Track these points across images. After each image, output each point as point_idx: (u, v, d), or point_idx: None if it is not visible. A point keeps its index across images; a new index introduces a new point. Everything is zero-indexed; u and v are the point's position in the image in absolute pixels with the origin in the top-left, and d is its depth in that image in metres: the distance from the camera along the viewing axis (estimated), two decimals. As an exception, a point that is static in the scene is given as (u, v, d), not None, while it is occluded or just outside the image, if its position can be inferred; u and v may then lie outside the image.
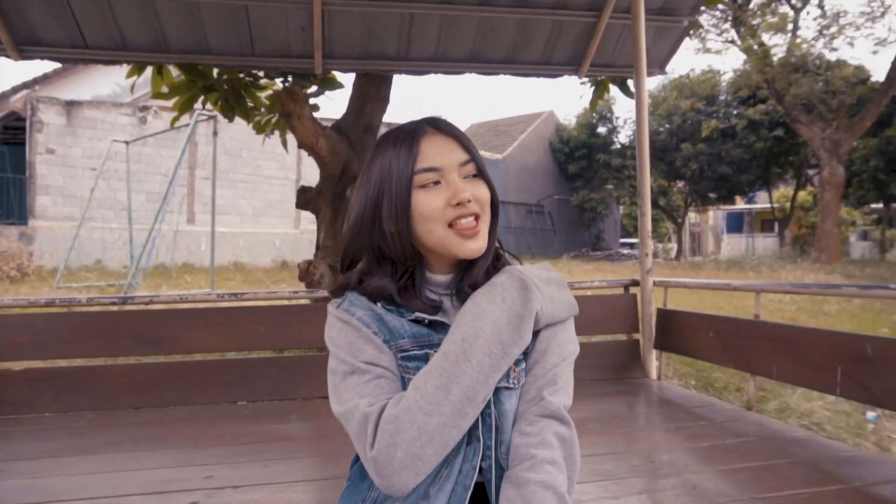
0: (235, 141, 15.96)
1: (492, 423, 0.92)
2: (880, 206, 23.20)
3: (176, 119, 3.67)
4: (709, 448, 1.91)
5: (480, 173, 0.97)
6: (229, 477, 1.73)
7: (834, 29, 15.43)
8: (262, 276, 12.23)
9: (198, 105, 3.54)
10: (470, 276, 0.97)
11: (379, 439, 0.84)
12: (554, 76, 3.90)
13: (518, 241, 25.15)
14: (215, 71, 3.58)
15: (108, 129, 14.40)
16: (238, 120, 3.62)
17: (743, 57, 16.44)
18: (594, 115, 28.34)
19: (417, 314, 0.94)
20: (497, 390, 0.92)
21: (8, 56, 3.18)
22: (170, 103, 3.56)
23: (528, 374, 0.96)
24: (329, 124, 3.62)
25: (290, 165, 17.12)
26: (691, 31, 4.11)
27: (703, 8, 3.79)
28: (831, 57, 16.24)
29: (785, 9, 15.93)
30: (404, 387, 0.92)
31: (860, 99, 16.68)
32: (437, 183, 0.94)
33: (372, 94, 3.68)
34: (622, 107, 33.09)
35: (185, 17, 3.21)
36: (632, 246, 34.88)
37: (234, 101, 3.38)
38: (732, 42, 16.13)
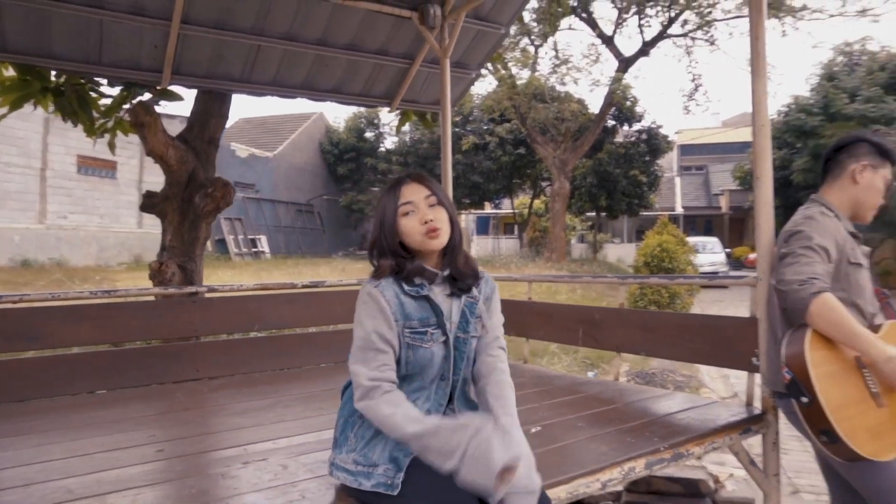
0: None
1: (460, 365, 1.60)
2: (594, 214, 28.27)
3: (3, 117, 3.61)
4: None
5: (439, 202, 1.62)
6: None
7: (563, 69, 18.71)
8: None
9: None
10: (454, 265, 1.60)
11: (364, 405, 1.47)
12: (371, 107, 4.69)
13: (288, 239, 25.22)
14: (52, 74, 3.63)
15: None
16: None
17: (495, 83, 18.97)
18: (362, 120, 29.62)
19: (416, 286, 1.55)
20: (465, 340, 1.60)
21: None
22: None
23: (487, 332, 1.65)
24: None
25: (33, 153, 15.14)
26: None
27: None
28: (561, 90, 19.60)
29: (528, 45, 18.81)
30: (408, 350, 1.53)
31: (581, 127, 20.39)
32: (409, 210, 1.59)
33: (215, 110, 4.05)
34: (387, 115, 34.91)
35: (30, 19, 3.29)
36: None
37: (77, 107, 3.50)
38: (489, 70, 18.52)
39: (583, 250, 31.48)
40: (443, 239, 1.57)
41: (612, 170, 23.18)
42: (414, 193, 1.58)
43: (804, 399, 1.76)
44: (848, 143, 2.05)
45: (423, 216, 1.56)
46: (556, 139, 20.20)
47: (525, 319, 3.46)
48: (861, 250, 2.03)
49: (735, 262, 26.69)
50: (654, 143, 23.99)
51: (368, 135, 30.04)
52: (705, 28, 18.52)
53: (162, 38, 3.59)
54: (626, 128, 24.31)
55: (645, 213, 26.41)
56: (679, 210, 36.75)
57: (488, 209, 37.11)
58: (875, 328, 1.91)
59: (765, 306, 2.17)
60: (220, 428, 2.26)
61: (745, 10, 17.30)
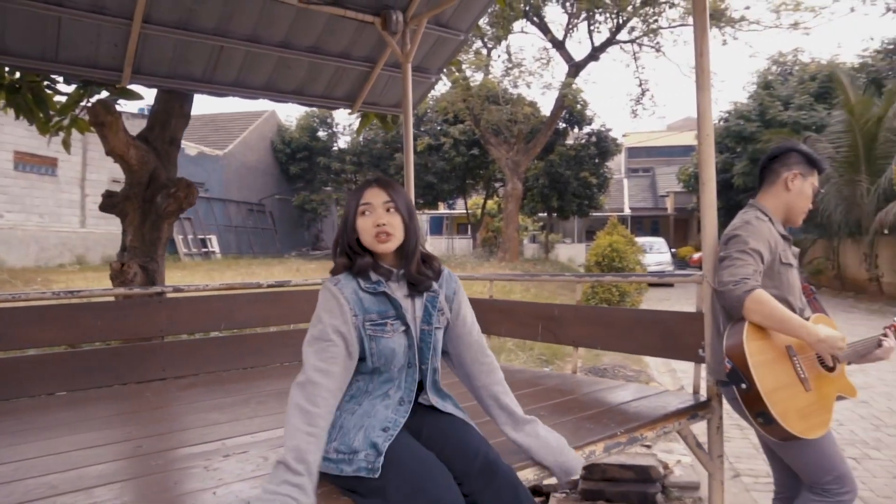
0: None
1: (427, 355, 1.71)
2: (545, 215, 28.80)
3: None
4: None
5: (396, 209, 1.73)
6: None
7: (516, 71, 19.04)
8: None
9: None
10: (408, 269, 1.72)
11: (296, 387, 1.57)
12: (332, 108, 4.75)
13: (239, 239, 24.77)
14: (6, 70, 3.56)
15: None
16: None
17: (450, 85, 19.14)
18: (315, 119, 29.33)
19: (373, 283, 1.67)
20: (429, 332, 1.71)
21: None
22: None
23: (462, 327, 1.80)
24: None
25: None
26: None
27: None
28: (514, 93, 19.93)
29: (482, 48, 19.06)
30: (371, 342, 1.63)
31: (533, 129, 20.78)
32: (367, 213, 1.70)
33: (176, 110, 4.04)
34: (340, 114, 34.72)
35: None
36: (348, 245, 36.59)
37: (33, 104, 3.44)
38: (444, 72, 18.72)
39: (535, 250, 31.99)
40: (391, 244, 1.69)
41: (564, 171, 23.68)
42: (374, 197, 1.71)
43: (743, 385, 1.94)
44: (781, 152, 2.26)
45: (376, 219, 1.68)
46: (509, 141, 20.52)
47: (486, 317, 3.59)
48: (792, 251, 2.24)
49: (680, 262, 27.66)
50: (603, 146, 24.63)
51: (321, 134, 29.77)
52: (651, 35, 19.17)
53: (122, 36, 3.57)
54: (576, 130, 24.88)
55: (595, 214, 27.07)
56: (627, 211, 37.79)
57: (442, 209, 37.32)
58: (805, 318, 2.12)
59: (709, 302, 2.36)
60: (196, 424, 2.29)
61: (689, 20, 18.00)
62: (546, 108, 21.31)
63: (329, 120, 29.66)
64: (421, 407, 1.74)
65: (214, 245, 21.77)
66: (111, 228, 18.53)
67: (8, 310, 2.88)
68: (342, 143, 30.08)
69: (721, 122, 22.38)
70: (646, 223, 39.07)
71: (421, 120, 25.20)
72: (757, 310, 1.95)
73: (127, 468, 1.81)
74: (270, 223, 28.11)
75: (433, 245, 37.96)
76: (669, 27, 19.05)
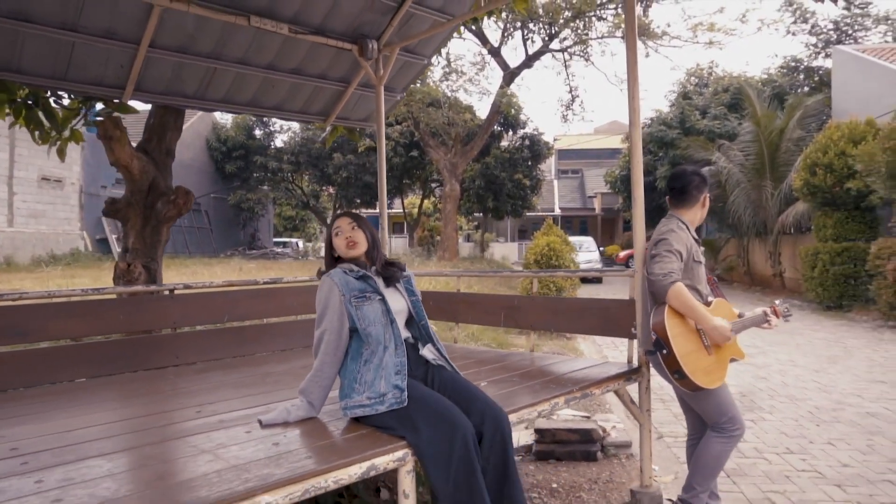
0: None
1: (421, 314, 2.40)
2: (480, 215, 29.74)
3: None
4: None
5: (359, 227, 2.41)
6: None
7: (454, 76, 19.77)
8: None
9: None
10: (378, 267, 2.43)
11: (315, 342, 2.27)
12: (308, 122, 5.23)
13: (175, 239, 24.33)
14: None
15: None
16: None
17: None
18: (251, 118, 29.07)
19: (357, 272, 2.35)
20: (416, 301, 2.43)
21: None
22: None
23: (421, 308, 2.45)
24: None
25: None
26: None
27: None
28: (451, 96, 20.64)
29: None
30: (356, 310, 2.26)
31: (469, 132, 21.57)
32: (338, 234, 2.39)
33: (171, 123, 4.42)
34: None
35: (3, 38, 3.55)
36: (284, 245, 36.42)
37: (47, 119, 3.78)
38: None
39: (470, 249, 32.90)
40: (358, 251, 2.41)
41: (499, 173, 24.61)
42: (342, 223, 2.45)
43: (664, 351, 2.64)
44: (696, 179, 2.96)
45: (345, 236, 2.41)
46: (447, 143, 21.22)
47: (455, 307, 4.20)
48: (700, 251, 2.96)
49: (607, 260, 29.18)
50: (536, 149, 25.75)
51: (258, 133, 29.54)
52: (581, 45, 20.32)
53: (128, 58, 3.96)
54: (510, 134, 25.89)
55: (528, 214, 28.20)
56: (557, 211, 39.37)
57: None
58: (708, 304, 2.84)
59: (639, 292, 3.05)
60: (206, 401, 2.67)
61: (617, 32, 19.24)
62: (482, 111, 22.15)
63: (265, 119, 29.45)
64: (425, 363, 2.38)
65: (150, 245, 21.32)
66: (41, 228, 17.97)
67: (41, 306, 3.26)
68: (279, 142, 29.94)
69: (645, 128, 23.89)
70: (575, 223, 40.75)
71: (360, 121, 25.52)
72: (676, 297, 2.64)
73: (170, 431, 2.26)
74: (206, 222, 27.69)
75: (370, 244, 38.16)
76: (598, 38, 20.26)
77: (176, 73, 4.22)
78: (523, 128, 25.44)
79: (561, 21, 18.83)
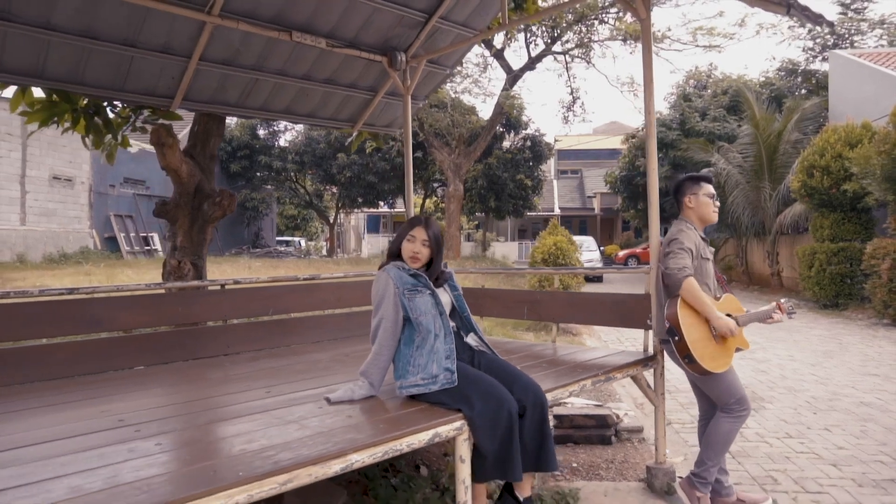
0: None
1: (463, 308, 2.73)
2: (481, 215, 30.10)
3: (31, 133, 4.07)
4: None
5: (429, 245, 2.71)
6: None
7: (458, 79, 20.10)
8: None
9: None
10: (432, 272, 2.74)
11: (373, 329, 2.60)
12: (337, 129, 5.55)
13: (180, 237, 24.60)
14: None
15: None
16: None
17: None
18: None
19: (411, 270, 2.66)
20: (460, 295, 2.76)
21: None
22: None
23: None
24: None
25: None
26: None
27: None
28: (456, 99, 20.98)
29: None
30: (410, 301, 2.59)
31: (473, 133, 21.90)
32: (410, 239, 2.69)
33: (213, 130, 4.74)
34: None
35: (72, 54, 3.86)
36: (287, 243, 36.72)
37: (107, 128, 4.09)
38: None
39: (471, 248, 33.24)
40: (418, 265, 2.72)
41: (501, 174, 24.94)
42: (419, 233, 2.71)
43: (676, 337, 2.96)
44: (677, 186, 3.30)
45: (414, 248, 2.70)
46: (451, 144, 21.55)
47: (480, 301, 4.53)
48: (709, 249, 3.29)
49: (607, 259, 29.55)
50: (537, 150, 26.09)
51: (262, 133, 29.83)
52: (583, 48, 20.67)
53: (179, 71, 4.28)
54: (512, 135, 26.23)
55: (528, 214, 28.54)
56: (557, 211, 39.73)
57: (382, 209, 37.94)
58: (717, 298, 3.17)
59: (654, 286, 3.37)
60: (255, 386, 2.95)
61: (618, 36, 19.58)
62: (484, 113, 22.49)
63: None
64: (470, 348, 2.72)
65: (156, 243, 21.66)
66: (52, 226, 18.25)
67: (111, 298, 3.57)
68: (283, 141, 30.25)
69: (644, 130, 24.25)
70: (574, 222, 41.14)
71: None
72: (688, 291, 2.97)
73: (232, 411, 2.52)
74: (210, 221, 27.91)
75: (370, 243, 38.60)
76: (600, 40, 20.62)
77: (221, 84, 4.53)
78: (525, 129, 25.78)
79: (564, 24, 19.16)
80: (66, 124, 4.21)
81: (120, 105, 4.51)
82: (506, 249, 33.70)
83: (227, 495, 1.66)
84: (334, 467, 1.90)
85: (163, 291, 3.75)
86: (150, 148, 21.43)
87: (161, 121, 4.64)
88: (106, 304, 3.53)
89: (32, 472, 1.76)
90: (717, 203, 3.32)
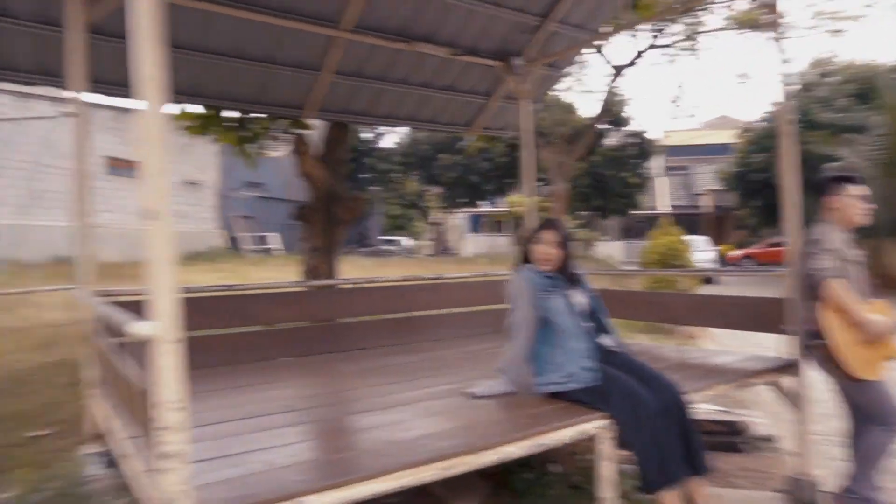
0: (-2, 124, 14.39)
1: (599, 311, 2.78)
2: (586, 213, 29.52)
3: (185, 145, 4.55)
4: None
5: (559, 245, 2.77)
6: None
7: (563, 78, 19.86)
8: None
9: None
10: (565, 273, 2.79)
11: (514, 331, 2.65)
12: (455, 133, 5.72)
13: (294, 237, 26.02)
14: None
15: None
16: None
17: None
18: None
19: (544, 272, 2.74)
20: (595, 297, 2.83)
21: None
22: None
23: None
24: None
25: (69, 155, 15.83)
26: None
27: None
28: (559, 97, 20.78)
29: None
30: (543, 303, 2.67)
31: (576, 131, 21.57)
32: (538, 241, 2.77)
33: (341, 137, 5.06)
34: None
35: (229, 73, 4.25)
36: (391, 242, 37.85)
37: (251, 139, 4.49)
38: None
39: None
40: (550, 266, 2.78)
41: (605, 172, 24.40)
42: (548, 235, 2.79)
43: (821, 342, 2.84)
44: (820, 185, 3.13)
45: (543, 249, 2.78)
46: (554, 143, 21.35)
47: (605, 304, 4.51)
48: (855, 252, 3.11)
49: (720, 260, 28.07)
50: (643, 147, 25.28)
51: (367, 135, 30.93)
52: (690, 41, 19.77)
53: (312, 83, 4.59)
54: (616, 132, 25.57)
55: (634, 213, 27.71)
56: (663, 209, 38.20)
57: (483, 208, 38.21)
58: (866, 303, 3.00)
59: (798, 288, 3.22)
60: (384, 382, 3.12)
61: (726, 24, 18.57)
62: (584, 110, 22.07)
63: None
64: (604, 349, 2.76)
65: (276, 242, 23.04)
66: (187, 228, 19.91)
67: (260, 295, 3.91)
68: (386, 143, 31.22)
69: (763, 123, 22.87)
70: (683, 221, 39.34)
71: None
72: (832, 291, 2.84)
73: (386, 401, 2.67)
74: (320, 222, 29.29)
75: (473, 242, 38.94)
76: (709, 31, 19.61)
77: (349, 94, 4.82)
78: (628, 125, 25.06)
79: (670, 18, 18.42)
80: (217, 136, 4.65)
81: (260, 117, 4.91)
82: (609, 249, 32.86)
83: (396, 477, 1.82)
84: (490, 457, 2.01)
85: (304, 289, 4.05)
86: (268, 154, 22.74)
87: (298, 131, 5.00)
88: (256, 301, 3.87)
89: (229, 446, 2.01)
90: (867, 205, 3.13)
